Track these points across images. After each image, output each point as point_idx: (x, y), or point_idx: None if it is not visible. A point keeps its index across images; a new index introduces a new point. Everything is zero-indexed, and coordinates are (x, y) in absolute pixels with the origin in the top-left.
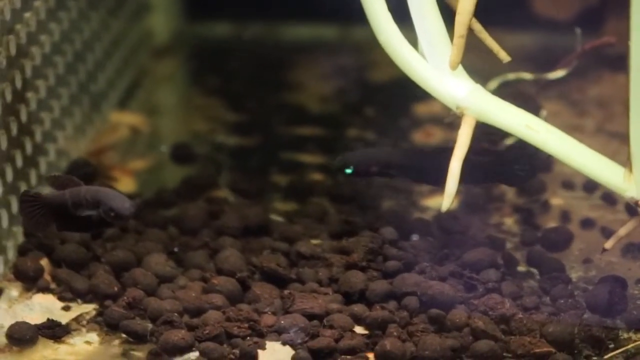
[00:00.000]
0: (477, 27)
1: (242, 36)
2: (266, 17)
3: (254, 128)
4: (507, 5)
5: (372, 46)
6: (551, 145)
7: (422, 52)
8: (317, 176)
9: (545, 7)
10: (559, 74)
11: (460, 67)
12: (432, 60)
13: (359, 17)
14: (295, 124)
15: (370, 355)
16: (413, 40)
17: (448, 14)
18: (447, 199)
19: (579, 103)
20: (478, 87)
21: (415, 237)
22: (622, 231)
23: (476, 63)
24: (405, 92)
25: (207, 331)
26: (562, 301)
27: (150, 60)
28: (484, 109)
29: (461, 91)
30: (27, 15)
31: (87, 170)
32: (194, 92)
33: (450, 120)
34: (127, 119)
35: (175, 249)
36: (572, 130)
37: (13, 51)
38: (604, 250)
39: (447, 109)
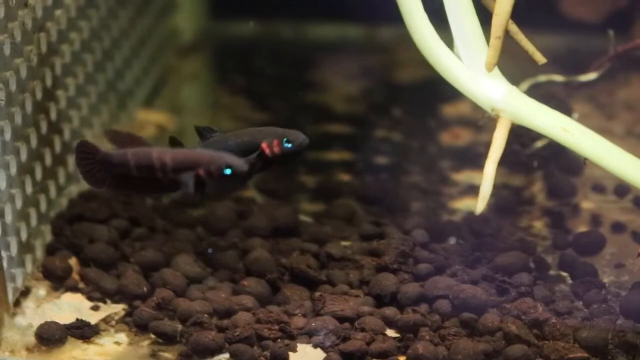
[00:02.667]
0: (514, 28)
1: (267, 35)
2: (292, 16)
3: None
4: (535, 6)
5: (399, 46)
6: (587, 148)
7: (457, 53)
8: (344, 176)
9: (574, 9)
10: (590, 76)
11: (496, 68)
12: (467, 61)
13: (385, 16)
14: (322, 124)
15: (402, 359)
16: (448, 41)
17: (483, 14)
18: (481, 201)
19: (608, 105)
20: (514, 89)
21: (452, 241)
22: None
23: (505, 65)
24: (432, 92)
25: (237, 333)
26: (595, 306)
27: (176, 59)
28: (519, 111)
29: (497, 93)
30: (57, 12)
31: None
32: (219, 91)
33: (483, 122)
34: (153, 117)
35: (210, 250)
36: (602, 133)
37: (44, 49)
38: (639, 255)
39: (475, 111)
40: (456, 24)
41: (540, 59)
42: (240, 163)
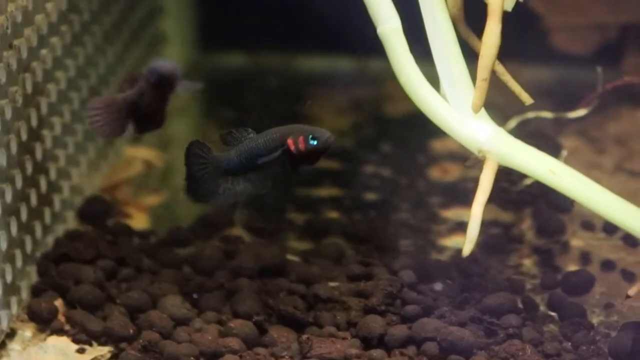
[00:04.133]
0: (500, 69)
1: (257, 68)
2: (281, 48)
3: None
4: (525, 39)
5: (389, 79)
6: (574, 190)
7: (443, 94)
8: (333, 214)
9: (564, 42)
10: (579, 113)
11: (482, 110)
12: (454, 102)
13: (376, 49)
14: None
15: None
16: (433, 76)
17: (470, 53)
18: (468, 243)
19: (598, 140)
20: (500, 130)
21: (438, 287)
22: None
23: (495, 99)
24: (422, 127)
25: None
26: (584, 348)
27: None
28: (506, 153)
29: (484, 135)
30: (43, 52)
31: (101, 208)
32: (208, 125)
33: (471, 164)
34: (141, 154)
35: (195, 295)
36: (591, 168)
37: (29, 89)
38: (627, 297)
39: (466, 149)
40: (442, 65)
41: (527, 99)
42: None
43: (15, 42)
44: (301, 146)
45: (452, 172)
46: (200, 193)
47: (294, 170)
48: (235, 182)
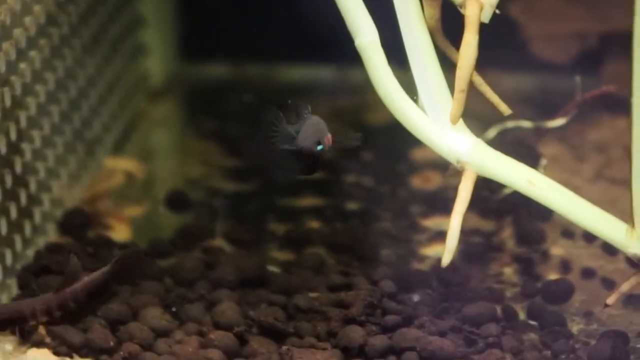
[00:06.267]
0: (478, 80)
1: (238, 78)
2: (263, 58)
3: (251, 173)
4: (505, 46)
5: (369, 89)
6: (552, 201)
7: (422, 106)
8: (313, 224)
9: (543, 49)
10: (558, 122)
11: (461, 121)
12: (432, 114)
13: (356, 59)
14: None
15: None
16: (411, 87)
17: (448, 65)
18: (447, 254)
19: (578, 147)
20: (479, 141)
21: (417, 296)
22: (625, 287)
23: (475, 107)
24: (403, 136)
25: None
26: (563, 356)
27: (145, 103)
28: (485, 164)
29: (462, 146)
30: (22, 65)
31: (82, 220)
32: (189, 136)
33: (450, 174)
34: (122, 165)
35: (173, 309)
36: (572, 175)
37: (8, 103)
38: (606, 305)
39: (446, 160)
40: (420, 77)
41: (506, 110)
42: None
43: None
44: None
45: (433, 181)
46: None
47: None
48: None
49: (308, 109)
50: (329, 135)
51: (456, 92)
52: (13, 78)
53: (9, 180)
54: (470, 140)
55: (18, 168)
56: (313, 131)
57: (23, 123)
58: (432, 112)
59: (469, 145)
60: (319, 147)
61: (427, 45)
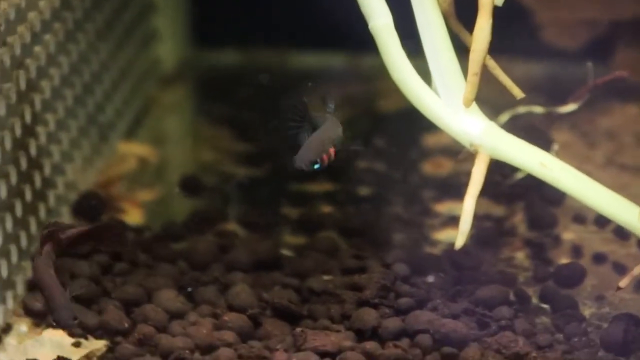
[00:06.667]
0: (491, 63)
1: (250, 64)
2: (274, 45)
3: (262, 158)
4: (516, 34)
5: (381, 75)
6: (565, 183)
7: (435, 89)
8: (326, 208)
9: (555, 37)
10: (570, 107)
11: (474, 104)
12: (445, 97)
13: (368, 45)
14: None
15: None
16: (424, 71)
17: (462, 48)
18: (460, 236)
19: (589, 134)
20: (492, 124)
21: (431, 279)
22: (637, 270)
23: (487, 93)
24: (415, 122)
25: None
26: (575, 339)
27: (157, 89)
28: (498, 147)
29: (475, 129)
30: (37, 49)
31: (96, 203)
32: (201, 122)
33: (463, 157)
34: (135, 150)
35: (189, 289)
36: (583, 161)
37: (23, 85)
38: (618, 288)
39: (458, 142)
40: (434, 60)
41: (518, 93)
42: None
43: (9, 39)
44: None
45: (445, 167)
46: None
47: None
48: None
49: (332, 102)
50: (331, 150)
51: (469, 75)
52: (28, 61)
53: (24, 163)
54: (484, 123)
55: (33, 150)
56: (314, 147)
57: (38, 106)
58: (445, 95)
59: (482, 128)
60: (316, 166)
61: (441, 29)
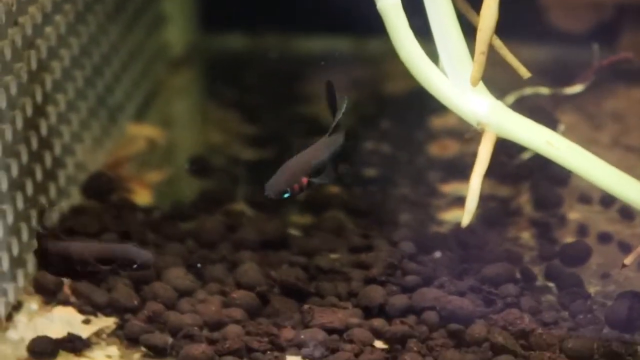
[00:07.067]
0: (498, 43)
1: (257, 48)
2: (281, 29)
3: (269, 140)
4: (522, 17)
5: (387, 58)
6: (571, 162)
7: (442, 68)
8: (333, 189)
9: (560, 20)
10: (576, 88)
11: (481, 83)
12: (452, 76)
13: (374, 29)
14: (311, 136)
15: None
16: (432, 53)
17: (469, 29)
18: (467, 215)
19: (595, 116)
20: (499, 103)
21: (437, 254)
22: None
23: (492, 76)
24: (421, 104)
25: (227, 345)
26: (581, 316)
27: (166, 73)
28: (504, 125)
29: (482, 107)
30: (47, 29)
31: (105, 184)
32: (209, 104)
33: (470, 136)
34: (144, 132)
35: (198, 265)
36: (589, 143)
37: (34, 65)
38: (624, 266)
39: (463, 122)
40: (441, 40)
41: (525, 73)
42: None
43: (20, 19)
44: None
45: (451, 149)
46: None
47: None
48: None
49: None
50: (303, 180)
51: (476, 54)
52: (39, 41)
53: (34, 142)
54: (490, 102)
55: (44, 130)
56: (285, 176)
57: (48, 86)
58: (452, 74)
59: (489, 107)
60: (286, 195)
61: (448, 8)
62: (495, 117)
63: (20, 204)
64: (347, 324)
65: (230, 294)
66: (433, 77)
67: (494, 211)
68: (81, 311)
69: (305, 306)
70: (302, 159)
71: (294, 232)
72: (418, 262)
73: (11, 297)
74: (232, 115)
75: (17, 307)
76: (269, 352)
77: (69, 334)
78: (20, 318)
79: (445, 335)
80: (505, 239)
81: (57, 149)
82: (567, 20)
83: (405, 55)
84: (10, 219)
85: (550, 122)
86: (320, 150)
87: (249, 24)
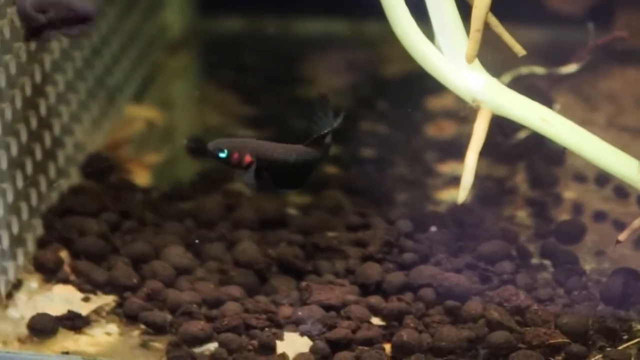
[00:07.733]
0: (493, 21)
1: (255, 30)
2: (279, 11)
3: (267, 122)
4: None
5: (384, 41)
6: (565, 138)
7: (438, 46)
8: (331, 169)
9: (556, 1)
10: (571, 68)
11: (476, 60)
12: (448, 53)
13: (371, 11)
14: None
15: (387, 346)
16: (429, 34)
17: (464, 7)
18: (462, 191)
19: (590, 97)
20: (494, 80)
21: (433, 229)
22: (636, 223)
23: (488, 56)
24: (418, 86)
25: (225, 322)
26: (576, 293)
27: (164, 55)
28: (499, 102)
29: (477, 84)
30: None
31: (104, 164)
32: (207, 86)
33: (465, 113)
34: (142, 113)
35: (196, 240)
36: (583, 124)
37: (32, 45)
38: (618, 242)
39: (460, 103)
40: (437, 17)
41: (520, 50)
42: None
43: None
44: None
45: (447, 129)
46: None
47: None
48: None
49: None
50: (247, 157)
51: (472, 31)
52: None
53: (34, 122)
54: (486, 79)
55: (43, 110)
56: (235, 142)
57: (47, 66)
58: (448, 51)
59: (484, 84)
60: (221, 155)
61: None
62: (490, 94)
63: (19, 183)
64: (345, 301)
65: (229, 272)
66: (429, 54)
67: (490, 190)
68: (81, 289)
69: (303, 283)
70: (265, 145)
71: (292, 211)
72: (415, 240)
73: (11, 276)
74: (230, 97)
75: (17, 285)
76: (267, 329)
77: (68, 311)
78: (20, 296)
79: (442, 312)
80: (501, 218)
81: (57, 129)
82: (563, 1)
83: (401, 33)
84: (10, 197)
85: (545, 102)
86: (286, 152)
87: (246, 6)
